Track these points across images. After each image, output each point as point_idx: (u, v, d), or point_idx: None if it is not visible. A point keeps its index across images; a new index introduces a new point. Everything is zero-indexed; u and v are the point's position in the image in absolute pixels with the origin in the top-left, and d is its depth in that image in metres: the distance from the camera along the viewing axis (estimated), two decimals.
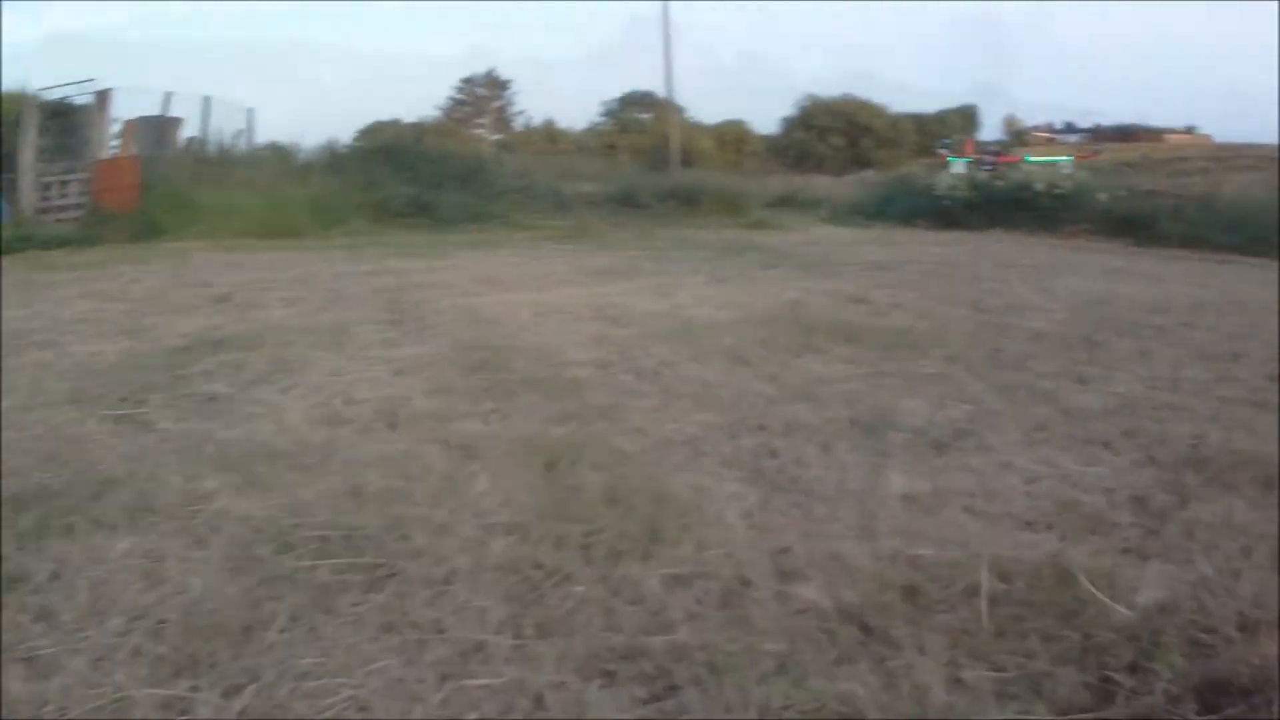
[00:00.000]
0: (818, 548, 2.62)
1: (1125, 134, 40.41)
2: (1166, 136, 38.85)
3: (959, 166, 5.52)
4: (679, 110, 29.77)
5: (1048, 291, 8.63)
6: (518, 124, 41.59)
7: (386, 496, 2.90)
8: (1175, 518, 2.91)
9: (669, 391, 4.32)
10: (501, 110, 42.00)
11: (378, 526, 2.67)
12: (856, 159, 35.42)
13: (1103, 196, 15.56)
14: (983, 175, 5.17)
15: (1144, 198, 15.99)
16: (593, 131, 40.57)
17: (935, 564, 2.52)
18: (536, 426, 3.69)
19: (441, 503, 2.85)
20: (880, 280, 8.74)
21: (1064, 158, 5.43)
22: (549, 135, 39.38)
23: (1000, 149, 5.89)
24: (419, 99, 44.03)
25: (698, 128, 35.51)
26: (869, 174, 26.76)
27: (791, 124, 39.59)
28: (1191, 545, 2.69)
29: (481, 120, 41.33)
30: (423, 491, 2.94)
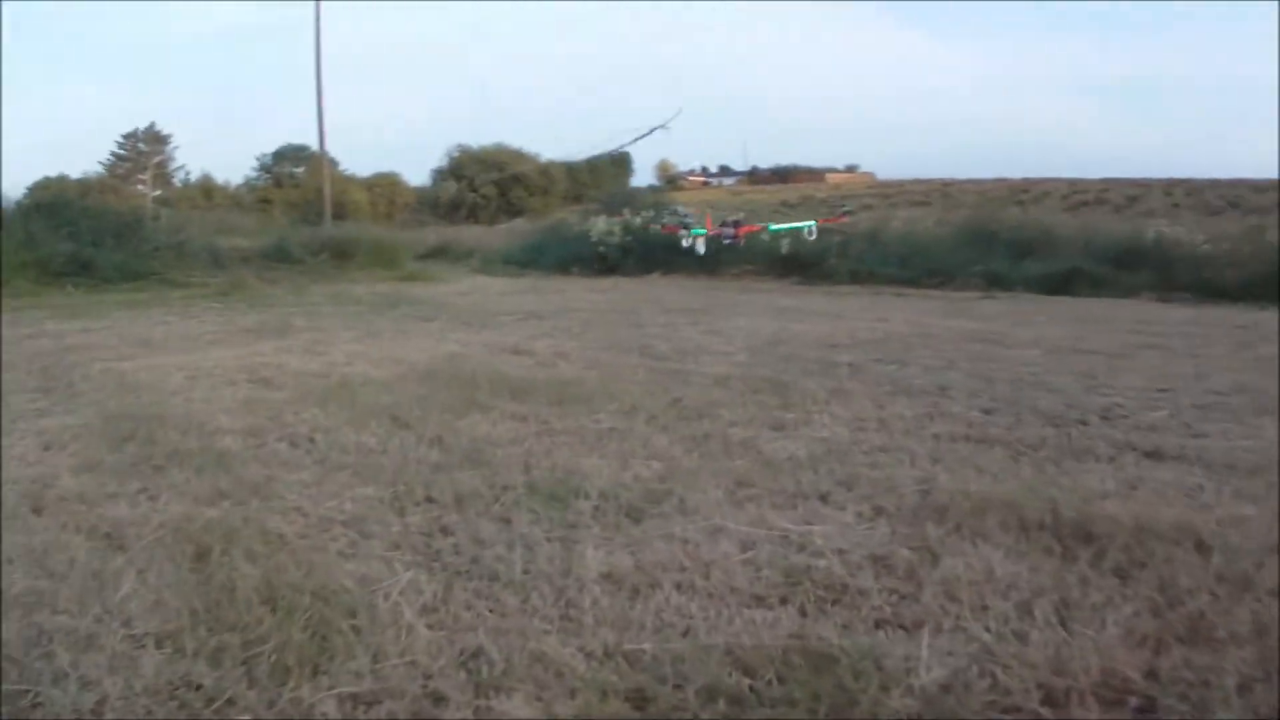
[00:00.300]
0: (516, 648, 2.49)
1: (784, 175, 47.07)
2: (828, 175, 45.95)
3: (699, 242, 5.92)
4: (332, 163, 33.87)
5: (720, 334, 9.20)
6: (177, 179, 48.79)
7: (29, 603, 2.88)
8: (929, 578, 2.95)
9: (326, 462, 4.48)
10: (162, 165, 49.19)
11: (21, 642, 2.62)
12: (508, 208, 41.53)
13: (766, 237, 17.19)
14: (725, 244, 5.61)
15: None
16: (248, 186, 47.26)
17: (659, 660, 2.37)
18: (186, 508, 3.78)
19: (87, 608, 2.84)
20: (540, 330, 9.61)
21: (808, 223, 5.95)
22: (205, 190, 45.48)
23: (739, 220, 6.41)
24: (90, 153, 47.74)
25: (350, 180, 41.61)
26: (519, 222, 30.67)
27: (442, 174, 46.29)
28: (958, 608, 2.73)
29: (143, 176, 47.66)
30: (67, 594, 2.94)
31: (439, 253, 23.17)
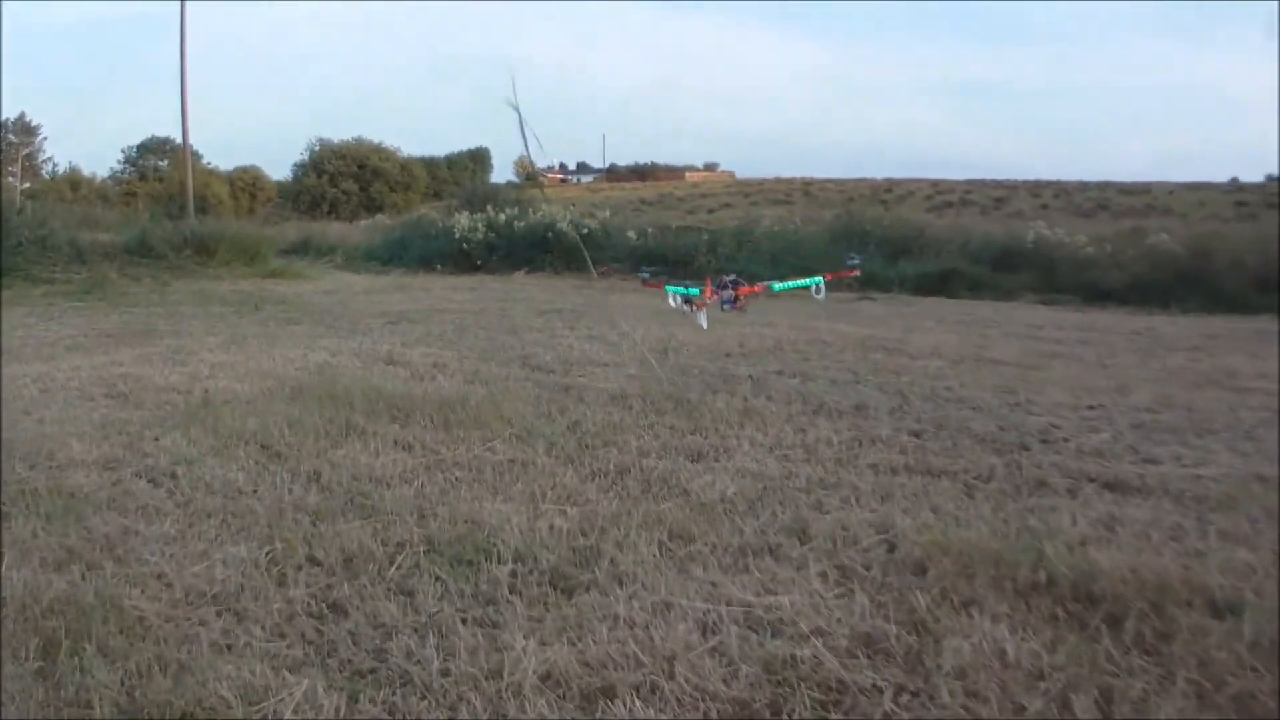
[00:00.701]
0: None
1: (643, 173, 48.09)
2: (688, 174, 47.02)
3: (697, 310, 5.43)
4: (195, 156, 34.01)
5: (603, 340, 8.71)
6: (45, 172, 48.69)
7: None
8: (936, 667, 2.49)
9: (190, 506, 3.97)
10: (31, 157, 49.29)
11: None
12: (368, 203, 42.38)
13: (632, 234, 18.09)
14: (726, 308, 5.18)
15: (676, 234, 18.79)
16: (114, 179, 47.79)
17: None
18: (31, 574, 3.24)
19: None
20: (413, 335, 9.28)
21: (814, 279, 5.45)
22: (72, 183, 45.51)
23: (738, 280, 5.93)
24: None
25: (213, 174, 41.69)
26: (381, 218, 30.99)
27: (303, 169, 46.76)
28: (987, 709, 2.28)
29: (13, 168, 47.57)
30: None
31: (301, 249, 22.81)
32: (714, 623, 2.78)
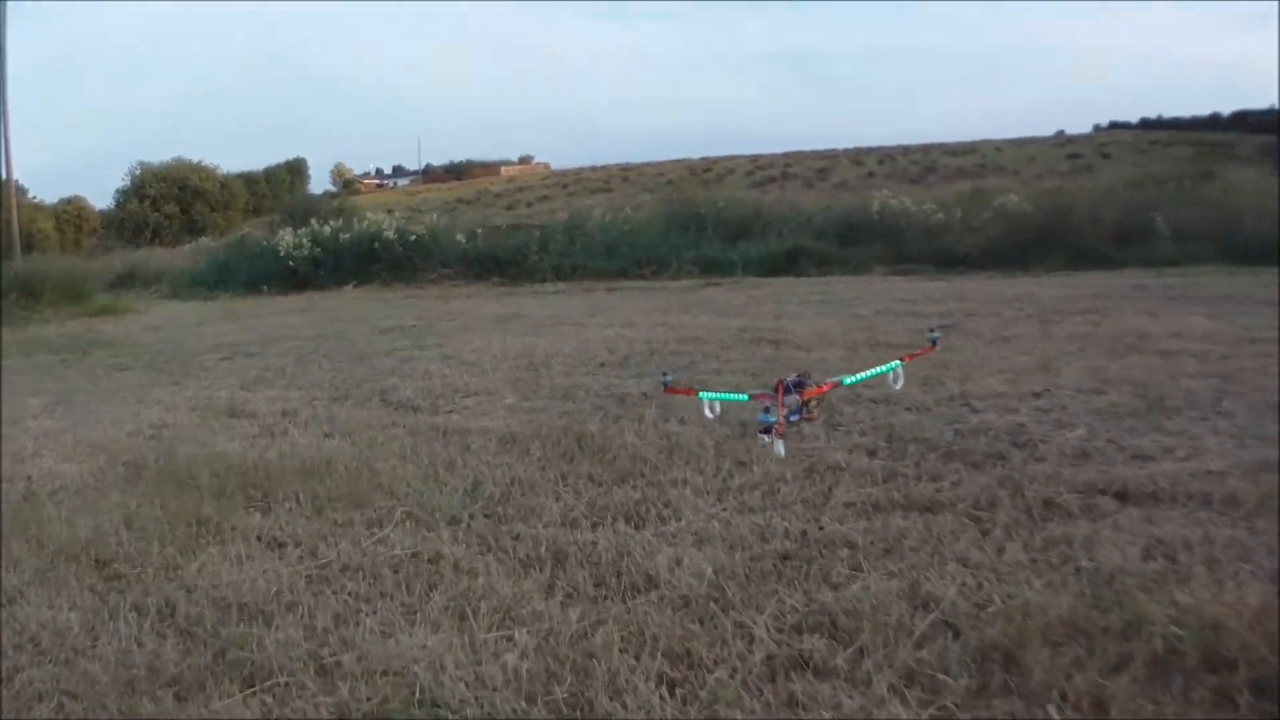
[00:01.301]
0: None
1: (458, 171, 47.89)
2: (503, 169, 46.92)
3: (774, 441, 4.54)
4: (20, 191, 31.37)
5: (461, 361, 8.08)
6: None
7: None
8: None
9: (13, 686, 2.87)
10: None
11: None
12: (191, 226, 41.15)
13: (461, 237, 17.66)
14: (794, 420, 4.32)
15: (507, 234, 18.50)
16: None
17: None
18: None
19: None
20: (252, 373, 8.39)
21: (891, 364, 4.59)
22: None
23: (805, 380, 5.01)
24: None
25: (39, 208, 40.08)
26: (205, 241, 30.02)
27: (125, 195, 45.06)
28: None
29: None
30: None
31: (127, 279, 21.80)
32: None
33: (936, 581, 3.04)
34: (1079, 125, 45.10)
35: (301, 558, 3.71)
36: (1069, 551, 3.26)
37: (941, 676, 2.47)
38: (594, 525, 3.85)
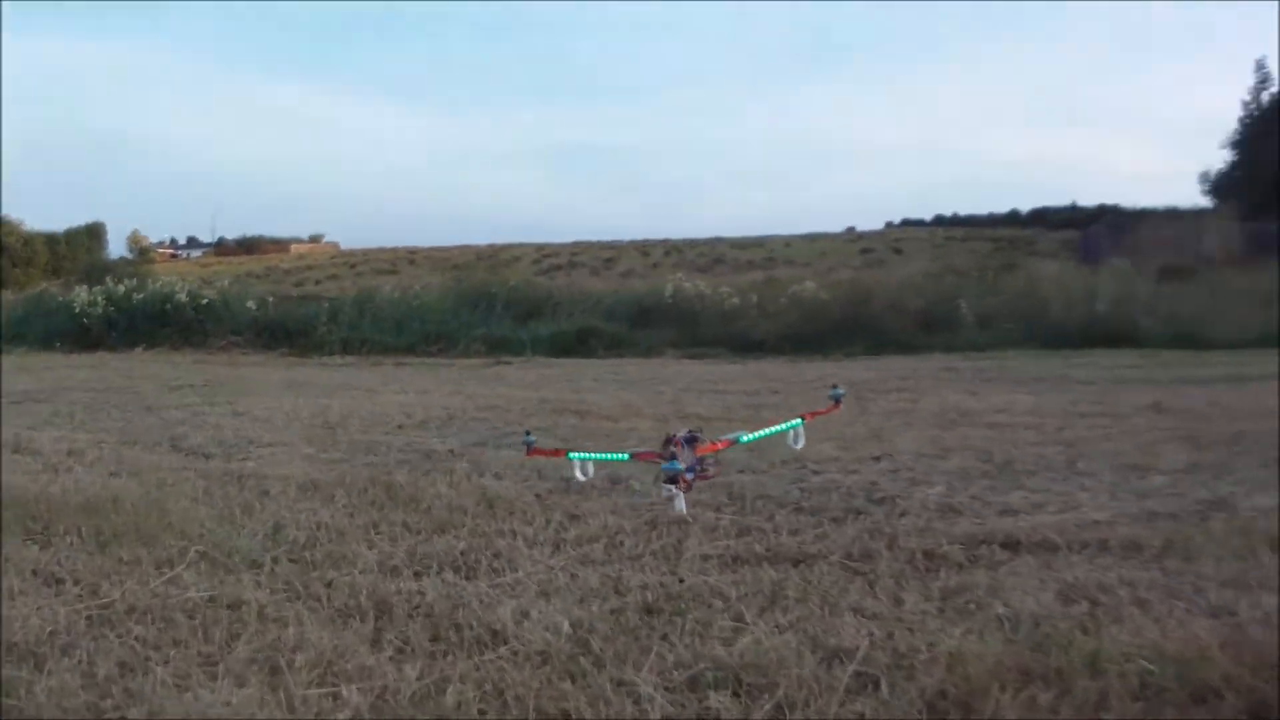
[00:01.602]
0: None
1: (249, 246, 47.17)
2: (293, 246, 46.47)
3: (677, 496, 3.97)
4: None
5: (253, 417, 7.59)
6: None
7: None
8: None
9: None
10: None
11: None
12: None
13: (251, 304, 17.38)
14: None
15: (297, 303, 18.28)
16: None
17: None
18: None
19: None
20: (41, 417, 7.94)
21: (793, 423, 4.09)
22: None
23: (698, 436, 4.44)
24: None
25: None
26: (5, 295, 28.01)
27: None
28: None
29: None
30: None
31: None
32: None
33: (841, 633, 2.59)
34: (871, 222, 46.25)
35: (81, 596, 3.13)
36: (977, 598, 2.90)
37: None
38: (417, 575, 3.30)
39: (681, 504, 4.07)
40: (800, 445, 4.62)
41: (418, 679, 2.39)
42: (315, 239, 53.11)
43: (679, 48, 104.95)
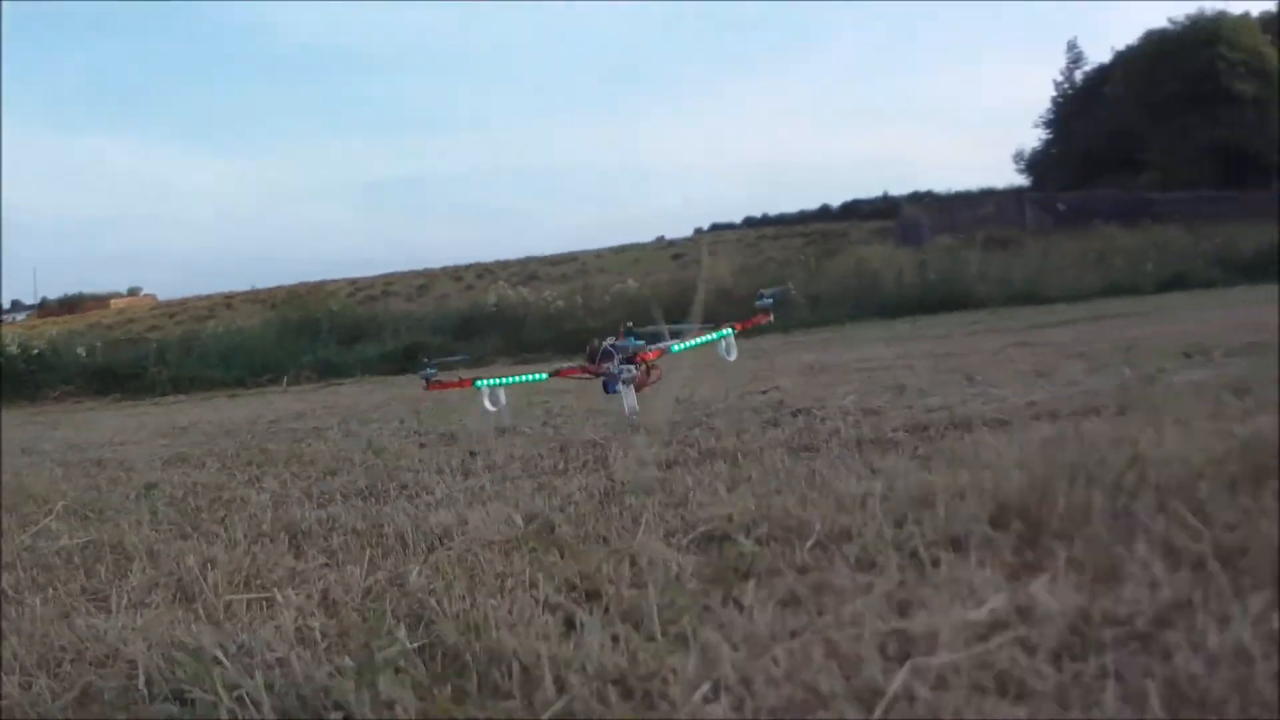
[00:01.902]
0: None
1: (71, 304, 46.12)
2: (112, 301, 45.33)
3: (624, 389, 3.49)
4: None
5: (100, 427, 7.57)
6: None
7: None
8: None
9: None
10: None
11: None
12: None
13: (81, 350, 17.37)
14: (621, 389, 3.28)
15: (125, 347, 18.54)
16: None
17: None
18: None
19: None
20: None
21: (724, 332, 3.63)
22: None
23: (639, 342, 4.04)
24: None
25: None
26: None
27: None
28: None
29: None
30: None
31: None
32: None
33: (841, 484, 2.28)
34: (680, 230, 45.58)
35: None
36: (958, 455, 2.60)
37: None
38: (321, 505, 2.83)
39: (632, 400, 3.78)
40: (733, 357, 4.32)
41: (366, 577, 2.00)
42: (134, 292, 51.50)
43: (481, 82, 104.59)
